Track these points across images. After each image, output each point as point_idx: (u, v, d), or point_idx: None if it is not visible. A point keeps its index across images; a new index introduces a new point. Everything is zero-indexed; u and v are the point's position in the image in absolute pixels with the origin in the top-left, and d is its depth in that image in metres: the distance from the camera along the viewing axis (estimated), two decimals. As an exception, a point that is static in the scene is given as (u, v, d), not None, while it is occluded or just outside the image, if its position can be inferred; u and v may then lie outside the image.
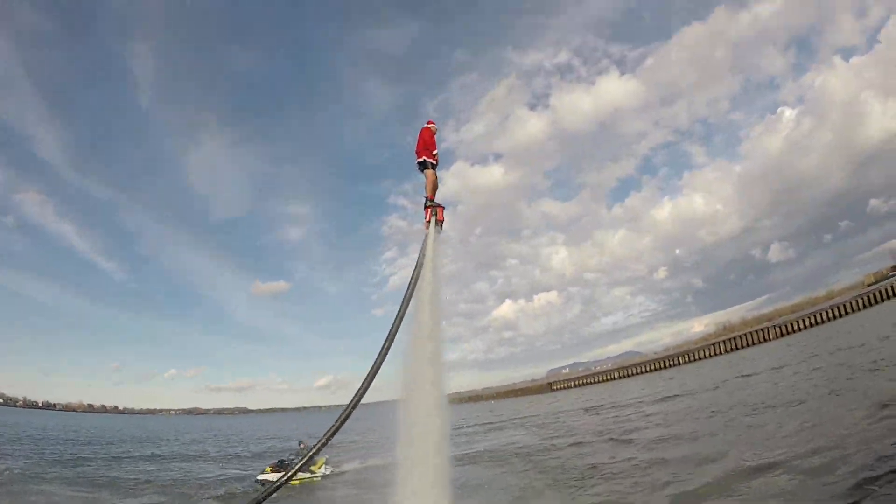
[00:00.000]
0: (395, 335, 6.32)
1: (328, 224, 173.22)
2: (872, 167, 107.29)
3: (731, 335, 63.10)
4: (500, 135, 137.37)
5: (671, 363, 64.55)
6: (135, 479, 16.92)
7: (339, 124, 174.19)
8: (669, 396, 28.04)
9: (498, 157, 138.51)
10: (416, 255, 7.02)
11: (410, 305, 6.54)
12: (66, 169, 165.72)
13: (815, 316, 53.33)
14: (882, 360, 16.44)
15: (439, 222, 7.27)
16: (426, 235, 7.15)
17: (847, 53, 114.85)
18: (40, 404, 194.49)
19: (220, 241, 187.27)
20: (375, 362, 6.19)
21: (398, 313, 6.44)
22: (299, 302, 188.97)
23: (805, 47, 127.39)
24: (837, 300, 58.93)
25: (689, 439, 12.85)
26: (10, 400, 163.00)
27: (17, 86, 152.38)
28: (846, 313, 50.22)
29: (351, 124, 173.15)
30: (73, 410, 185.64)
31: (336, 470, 15.76)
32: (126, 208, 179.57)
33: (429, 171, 7.29)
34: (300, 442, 15.58)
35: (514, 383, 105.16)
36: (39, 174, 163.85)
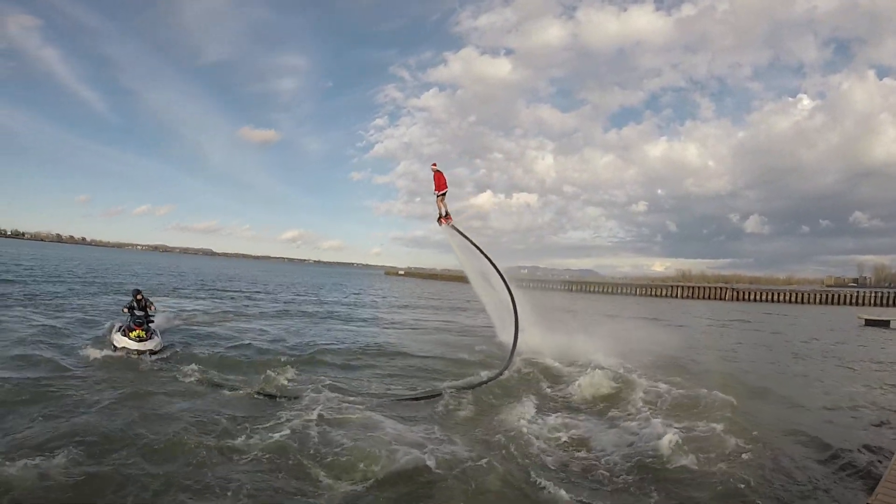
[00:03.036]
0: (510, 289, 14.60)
1: (322, 81, 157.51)
2: (867, 182, 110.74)
3: (689, 284, 67.55)
4: (518, 32, 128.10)
5: (628, 291, 68.07)
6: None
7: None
8: (651, 318, 30.74)
9: (509, 52, 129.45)
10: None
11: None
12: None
13: (774, 293, 57.69)
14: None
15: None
16: (459, 229, 15.44)
17: (882, 72, 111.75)
18: (9, 233, 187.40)
19: (209, 82, 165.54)
20: (514, 308, 14.23)
21: (506, 284, 14.83)
22: (281, 153, 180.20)
23: (844, 50, 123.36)
24: (796, 287, 63.64)
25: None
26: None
27: None
28: (803, 302, 54.64)
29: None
30: (42, 240, 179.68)
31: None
32: (115, 39, 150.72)
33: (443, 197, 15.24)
34: (137, 291, 12.64)
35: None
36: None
